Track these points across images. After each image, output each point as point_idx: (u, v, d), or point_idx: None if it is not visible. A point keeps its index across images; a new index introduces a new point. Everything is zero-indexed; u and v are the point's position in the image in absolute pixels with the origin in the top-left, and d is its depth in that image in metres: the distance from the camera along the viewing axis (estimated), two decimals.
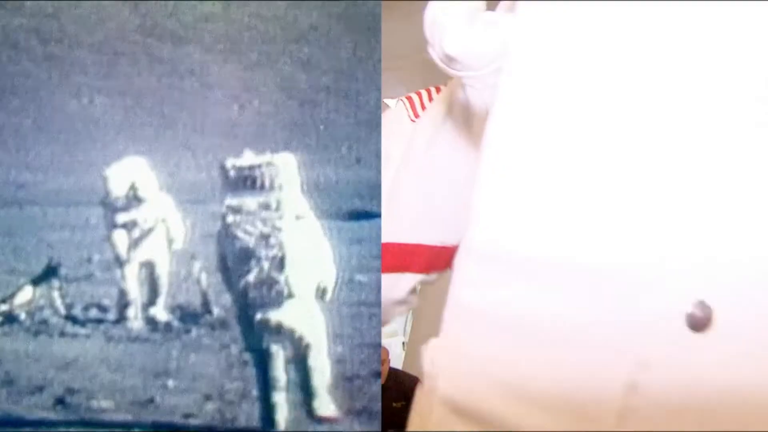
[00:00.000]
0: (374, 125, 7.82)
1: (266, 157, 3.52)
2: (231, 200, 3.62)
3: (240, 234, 3.61)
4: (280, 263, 3.54)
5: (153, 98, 7.95)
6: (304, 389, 3.75)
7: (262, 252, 3.56)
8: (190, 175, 7.58)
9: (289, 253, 3.54)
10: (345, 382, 4.55)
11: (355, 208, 7.11)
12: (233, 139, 7.59)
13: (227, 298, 5.54)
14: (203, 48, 8.19)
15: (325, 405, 3.77)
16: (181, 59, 8.16)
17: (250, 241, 3.58)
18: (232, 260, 3.69)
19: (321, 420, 3.77)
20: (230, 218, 3.62)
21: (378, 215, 6.89)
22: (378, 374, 4.60)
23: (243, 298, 3.68)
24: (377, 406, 4.26)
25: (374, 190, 7.20)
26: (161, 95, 7.97)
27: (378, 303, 5.46)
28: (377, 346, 4.96)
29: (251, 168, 3.53)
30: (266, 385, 3.75)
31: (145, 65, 8.15)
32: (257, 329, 3.63)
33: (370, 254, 6.45)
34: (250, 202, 3.59)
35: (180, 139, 7.60)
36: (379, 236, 6.17)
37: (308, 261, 3.63)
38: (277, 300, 3.58)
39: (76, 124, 7.84)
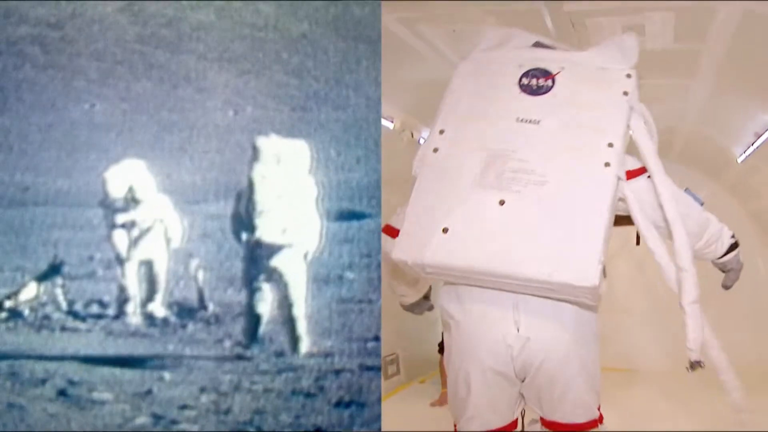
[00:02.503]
0: (363, 130, 7.84)
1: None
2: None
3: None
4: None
5: (151, 104, 7.94)
6: (288, 322, 4.63)
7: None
8: (188, 177, 7.58)
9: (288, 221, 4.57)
10: (333, 375, 4.62)
11: (345, 209, 7.12)
12: (228, 143, 7.61)
13: (222, 295, 5.63)
14: (198, 56, 8.19)
15: (303, 335, 4.66)
16: (177, 67, 8.15)
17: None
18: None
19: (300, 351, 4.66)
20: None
21: (367, 215, 6.96)
22: (371, 368, 4.58)
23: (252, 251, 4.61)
24: (371, 399, 4.28)
25: (363, 191, 7.25)
26: (159, 101, 7.96)
27: (368, 300, 5.51)
28: (370, 340, 4.97)
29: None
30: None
31: (144, 72, 8.14)
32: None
33: (359, 253, 6.48)
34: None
35: (177, 142, 7.60)
36: (368, 235, 6.27)
37: (300, 227, 4.62)
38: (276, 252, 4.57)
39: (77, 128, 7.83)
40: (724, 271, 3.88)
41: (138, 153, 6.01)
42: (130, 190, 5.43)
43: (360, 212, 7.13)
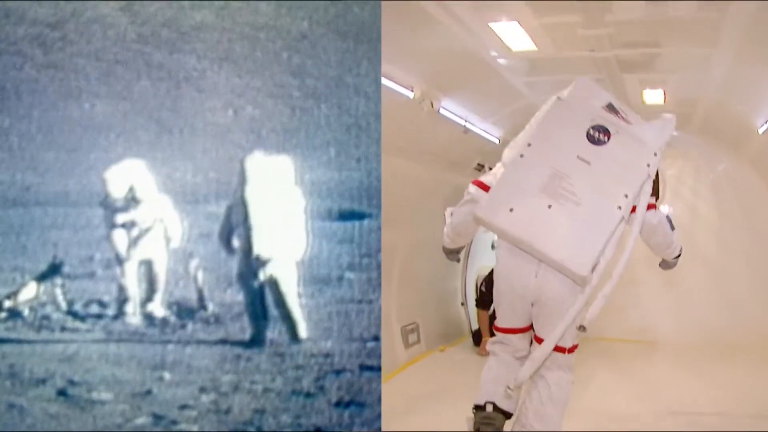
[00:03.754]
0: (362, 130, 7.83)
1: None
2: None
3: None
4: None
5: (151, 104, 7.92)
6: (285, 317, 4.97)
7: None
8: (187, 177, 7.57)
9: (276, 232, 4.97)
10: (333, 375, 4.62)
11: (345, 209, 7.12)
12: (228, 143, 7.60)
13: (222, 295, 5.63)
14: (199, 56, 8.18)
15: (301, 329, 4.97)
16: (177, 67, 8.14)
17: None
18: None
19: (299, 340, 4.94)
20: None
21: (367, 216, 6.95)
22: (371, 368, 4.63)
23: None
24: (371, 399, 4.32)
25: (363, 191, 7.24)
26: (159, 101, 7.94)
27: (368, 300, 5.52)
28: (370, 340, 4.99)
29: None
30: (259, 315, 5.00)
31: (143, 72, 8.11)
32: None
33: (359, 253, 6.48)
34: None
35: (177, 142, 7.60)
36: (368, 235, 6.28)
37: (289, 234, 4.98)
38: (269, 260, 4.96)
39: (77, 128, 7.81)
40: (668, 265, 5.45)
41: (138, 153, 6.02)
42: (131, 189, 5.43)
43: (360, 212, 7.13)
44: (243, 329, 5.09)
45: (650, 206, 4.76)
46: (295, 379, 4.46)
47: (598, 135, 4.65)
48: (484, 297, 9.51)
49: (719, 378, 7.50)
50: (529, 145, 4.75)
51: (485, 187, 4.90)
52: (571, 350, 4.92)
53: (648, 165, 4.62)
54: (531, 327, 5.03)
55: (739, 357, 8.32)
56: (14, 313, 5.39)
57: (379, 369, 4.60)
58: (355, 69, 8.10)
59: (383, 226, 6.73)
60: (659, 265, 5.47)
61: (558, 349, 4.80)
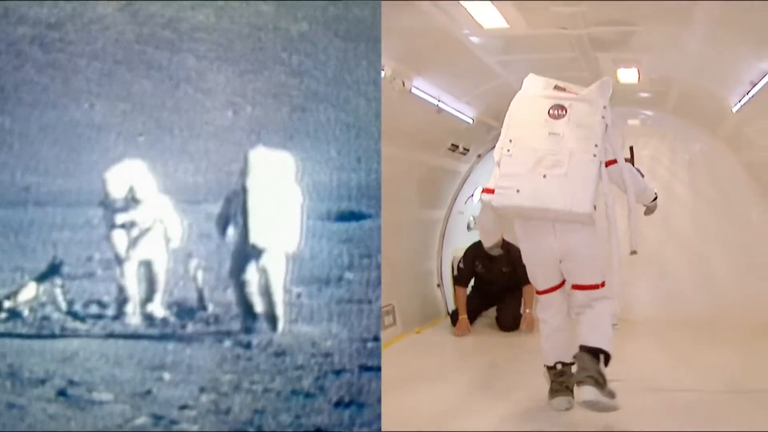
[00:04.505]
0: (362, 130, 7.83)
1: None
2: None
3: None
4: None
5: (151, 104, 7.95)
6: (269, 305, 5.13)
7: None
8: (187, 178, 7.58)
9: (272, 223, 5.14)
10: (333, 375, 4.63)
11: (345, 209, 7.12)
12: (228, 143, 7.61)
13: (222, 295, 5.63)
14: (198, 56, 8.18)
15: (280, 318, 5.13)
16: (177, 67, 8.15)
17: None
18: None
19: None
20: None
21: (367, 216, 6.94)
22: (371, 368, 4.63)
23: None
24: (371, 399, 4.30)
25: (363, 191, 7.23)
26: (158, 101, 7.96)
27: (367, 300, 5.52)
28: (370, 340, 5.00)
29: None
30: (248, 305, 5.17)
31: (143, 72, 8.13)
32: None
33: (359, 253, 6.48)
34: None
35: (177, 143, 7.61)
36: (368, 235, 6.29)
37: (283, 227, 5.14)
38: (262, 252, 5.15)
39: (77, 128, 7.83)
40: (650, 210, 6.52)
41: (138, 153, 6.01)
42: (131, 190, 5.42)
43: (360, 212, 7.14)
44: (241, 329, 5.09)
45: (626, 161, 5.98)
46: (295, 378, 4.45)
47: (557, 111, 5.75)
48: (462, 273, 9.53)
49: (697, 356, 7.58)
50: (511, 141, 5.73)
51: (492, 191, 5.83)
52: (602, 285, 5.82)
53: (603, 117, 5.68)
54: (563, 283, 5.98)
55: (716, 335, 8.46)
56: (14, 314, 5.38)
57: (379, 369, 4.60)
58: (356, 69, 8.11)
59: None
60: (644, 213, 6.47)
61: (591, 287, 5.78)
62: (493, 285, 9.43)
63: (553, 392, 5.87)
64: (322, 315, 5.32)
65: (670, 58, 7.88)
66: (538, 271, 5.98)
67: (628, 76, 8.56)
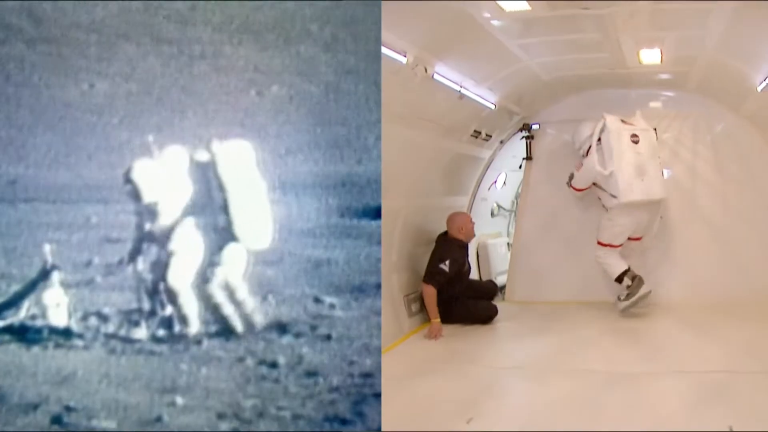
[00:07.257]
0: (363, 129, 7.94)
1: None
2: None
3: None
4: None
5: (159, 84, 7.97)
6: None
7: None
8: None
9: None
10: (373, 398, 4.61)
11: (344, 208, 7.26)
12: (250, 129, 7.61)
13: (241, 309, 5.63)
14: (214, 28, 8.21)
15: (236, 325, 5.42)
16: (190, 41, 8.17)
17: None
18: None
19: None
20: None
21: (367, 215, 7.09)
22: (370, 375, 4.74)
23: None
24: (371, 412, 4.39)
25: (362, 191, 7.36)
26: (169, 80, 7.98)
27: (368, 299, 5.59)
28: (369, 341, 5.19)
29: None
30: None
31: (151, 48, 8.17)
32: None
33: (359, 252, 6.58)
34: None
35: (190, 128, 7.59)
36: (367, 234, 6.40)
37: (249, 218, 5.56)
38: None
39: (74, 112, 7.85)
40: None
41: (144, 140, 5.99)
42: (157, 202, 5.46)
43: (360, 211, 7.22)
44: (267, 346, 5.08)
45: None
46: (328, 403, 4.44)
47: (634, 138, 9.98)
48: (438, 271, 9.58)
49: (724, 337, 8.36)
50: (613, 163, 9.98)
51: (577, 189, 10.82)
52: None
53: (656, 136, 10.53)
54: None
55: (744, 315, 9.42)
56: (1, 329, 5.39)
57: (378, 369, 4.73)
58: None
59: (382, 194, 7.37)
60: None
61: (637, 238, 10.59)
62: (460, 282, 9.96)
63: (639, 282, 9.99)
64: (361, 329, 5.32)
65: (694, 37, 8.31)
66: (626, 234, 10.24)
67: (651, 56, 9.34)
